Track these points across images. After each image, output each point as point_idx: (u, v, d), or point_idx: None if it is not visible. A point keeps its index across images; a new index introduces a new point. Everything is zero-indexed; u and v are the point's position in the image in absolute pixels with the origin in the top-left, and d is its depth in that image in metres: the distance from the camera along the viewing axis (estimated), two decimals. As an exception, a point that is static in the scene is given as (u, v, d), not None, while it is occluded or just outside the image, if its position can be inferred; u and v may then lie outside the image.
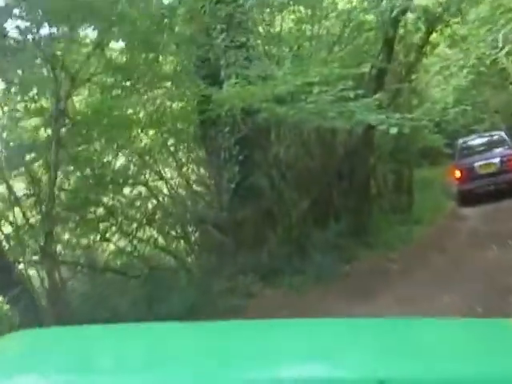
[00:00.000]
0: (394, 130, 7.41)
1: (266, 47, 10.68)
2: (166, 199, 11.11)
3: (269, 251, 9.37)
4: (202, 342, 1.82)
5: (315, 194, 10.55)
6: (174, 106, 11.27)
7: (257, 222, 9.88)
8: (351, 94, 7.60)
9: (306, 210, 10.14)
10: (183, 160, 11.29)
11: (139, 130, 11.10)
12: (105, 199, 10.47)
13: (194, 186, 11.26)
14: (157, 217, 10.84)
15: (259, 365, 1.53)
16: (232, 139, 9.98)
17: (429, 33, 12.82)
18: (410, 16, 12.14)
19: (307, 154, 11.09)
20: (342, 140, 11.71)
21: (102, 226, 10.29)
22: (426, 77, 19.36)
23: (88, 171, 10.12)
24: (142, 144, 11.26)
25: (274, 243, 9.56)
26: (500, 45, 19.65)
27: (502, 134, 17.12)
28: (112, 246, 10.59)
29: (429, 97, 20.67)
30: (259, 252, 9.31)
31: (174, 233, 10.92)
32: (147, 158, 11.10)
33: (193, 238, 10.95)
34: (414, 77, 14.52)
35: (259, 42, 10.56)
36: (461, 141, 17.64)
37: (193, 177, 11.46)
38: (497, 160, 15.63)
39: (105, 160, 10.48)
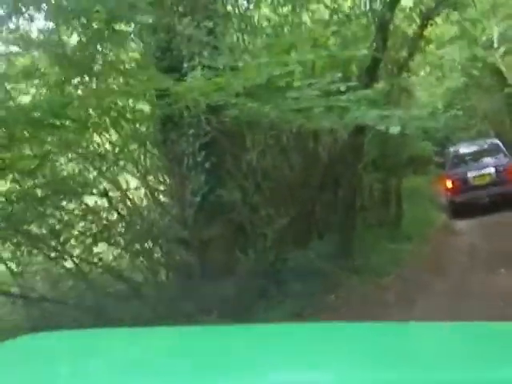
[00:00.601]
0: (395, 130, 5.87)
1: (239, 34, 9.05)
2: (122, 212, 9.40)
3: (239, 279, 7.76)
4: (206, 346, 1.78)
5: (295, 209, 8.98)
6: (132, 104, 9.59)
7: (226, 242, 8.28)
8: (342, 87, 6.03)
9: (284, 227, 8.53)
10: (142, 167, 9.58)
11: (93, 133, 9.40)
12: (48, 212, 8.76)
13: (155, 198, 9.56)
14: (109, 233, 9.14)
15: (257, 370, 1.51)
16: (197, 143, 8.35)
17: (423, 26, 11.34)
18: (404, 3, 10.66)
19: (286, 161, 9.53)
20: (326, 145, 10.17)
21: (42, 245, 8.56)
22: (416, 78, 18.09)
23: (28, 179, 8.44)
24: (98, 148, 9.56)
25: (246, 269, 7.96)
26: (495, 45, 18.47)
27: (496, 141, 16.19)
28: (54, 269, 8.88)
29: (417, 99, 19.41)
30: (228, 280, 7.70)
31: (129, 253, 9.22)
32: (101, 164, 9.39)
33: (153, 259, 9.25)
34: (405, 75, 12.99)
35: (230, 27, 8.92)
36: (452, 149, 16.90)
37: (155, 187, 9.77)
38: (492, 170, 14.62)
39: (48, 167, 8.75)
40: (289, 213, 8.80)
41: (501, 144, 15.66)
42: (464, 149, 16.43)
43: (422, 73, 19.44)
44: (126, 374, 1.56)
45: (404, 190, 14.84)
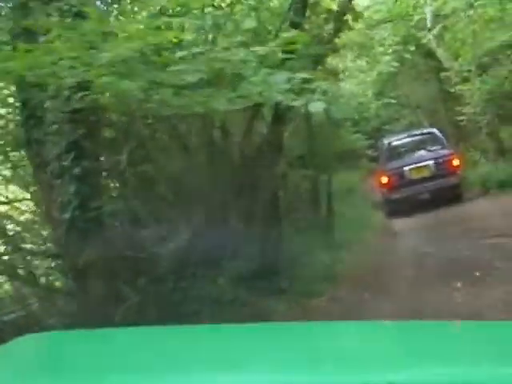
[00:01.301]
0: (318, 107, 4.07)
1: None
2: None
3: (122, 318, 5.79)
4: (206, 346, 1.80)
5: (199, 221, 7.02)
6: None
7: (108, 269, 6.27)
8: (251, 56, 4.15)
9: (185, 246, 6.58)
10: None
11: None
12: None
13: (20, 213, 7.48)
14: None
15: (263, 368, 1.51)
16: (63, 143, 6.31)
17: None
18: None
19: (187, 161, 7.57)
20: (238, 139, 8.28)
21: None
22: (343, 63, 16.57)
23: None
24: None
25: (133, 304, 6.00)
26: (428, 25, 17.03)
27: (435, 130, 14.92)
28: None
29: (345, 89, 17.90)
30: (108, 320, 5.73)
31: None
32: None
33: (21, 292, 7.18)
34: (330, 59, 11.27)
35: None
36: (386, 141, 15.29)
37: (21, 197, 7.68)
38: (430, 162, 13.49)
39: None
40: (191, 226, 6.84)
41: (439, 133, 14.58)
42: (399, 140, 15.11)
43: (350, 56, 17.93)
44: (126, 374, 1.56)
45: (336, 189, 13.42)
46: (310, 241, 9.93)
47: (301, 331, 1.93)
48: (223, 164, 7.90)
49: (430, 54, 17.70)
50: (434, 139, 14.26)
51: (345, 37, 12.21)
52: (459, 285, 7.36)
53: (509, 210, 11.70)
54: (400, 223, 13.02)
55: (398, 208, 13.37)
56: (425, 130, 15.64)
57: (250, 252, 8.14)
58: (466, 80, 15.13)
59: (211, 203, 7.72)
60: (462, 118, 16.18)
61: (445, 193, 13.18)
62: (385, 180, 13.74)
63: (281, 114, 8.24)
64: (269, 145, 8.41)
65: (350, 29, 10.75)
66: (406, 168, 13.47)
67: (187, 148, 7.81)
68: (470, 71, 15.13)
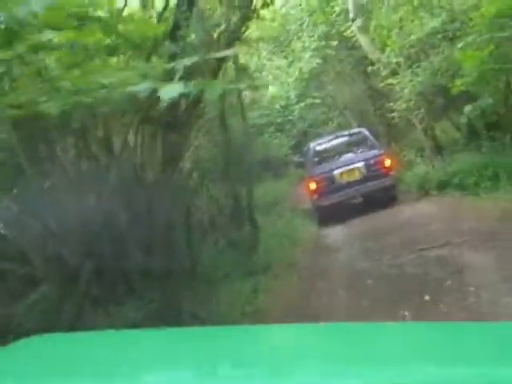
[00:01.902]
0: (170, 92, 2.55)
1: None
2: None
3: None
4: (204, 348, 1.80)
5: (76, 259, 5.28)
6: None
7: None
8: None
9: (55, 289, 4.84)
10: None
11: None
12: None
13: None
14: None
15: (269, 370, 1.54)
16: None
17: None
18: None
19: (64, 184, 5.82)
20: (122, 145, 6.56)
21: None
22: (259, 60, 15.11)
23: None
24: None
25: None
26: (351, 15, 15.73)
27: (363, 130, 14.08)
28: None
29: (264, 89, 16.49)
30: None
31: None
32: None
33: None
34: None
35: None
36: (313, 144, 14.33)
37: None
38: (361, 164, 12.62)
39: None
40: (62, 271, 5.10)
41: (368, 133, 13.69)
42: (326, 143, 14.18)
43: (265, 53, 16.54)
44: (125, 375, 1.60)
45: (262, 200, 12.52)
46: (227, 266, 8.33)
47: (301, 332, 1.99)
48: (105, 187, 6.18)
49: (355, 48, 16.46)
50: (362, 140, 13.47)
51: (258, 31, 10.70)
52: (407, 314, 5.92)
53: (451, 213, 10.48)
54: (333, 233, 11.73)
55: (329, 215, 12.36)
56: (353, 131, 14.82)
57: (153, 289, 6.50)
58: (395, 73, 13.80)
59: (93, 230, 6.01)
60: (393, 115, 14.84)
61: (378, 196, 12.42)
62: (313, 186, 12.70)
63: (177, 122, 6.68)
64: (164, 158, 6.80)
65: (259, 18, 9.23)
66: (335, 172, 12.59)
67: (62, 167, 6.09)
68: (398, 63, 13.82)
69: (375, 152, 12.80)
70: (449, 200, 11.53)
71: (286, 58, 17.45)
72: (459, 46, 10.72)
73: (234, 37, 8.59)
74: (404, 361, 1.51)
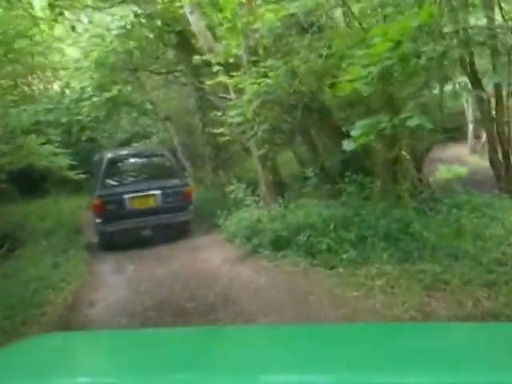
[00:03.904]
0: None
1: None
2: None
3: None
4: (203, 348, 1.83)
5: None
6: None
7: None
8: None
9: None
10: None
11: None
12: None
13: None
14: None
15: (254, 371, 1.52)
16: None
17: None
18: None
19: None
20: None
21: None
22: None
23: None
24: None
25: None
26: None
27: (166, 153, 12.34)
28: None
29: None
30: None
31: None
32: None
33: None
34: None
35: None
36: (107, 155, 12.02)
37: None
38: (158, 192, 11.14)
39: None
40: None
41: (171, 157, 12.15)
42: (121, 160, 12.22)
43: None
44: (123, 374, 1.60)
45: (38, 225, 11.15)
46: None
47: (301, 333, 1.98)
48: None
49: (185, 40, 12.12)
50: (164, 164, 11.82)
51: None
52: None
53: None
54: (110, 269, 8.98)
55: (110, 244, 10.76)
56: (155, 151, 13.16)
57: None
58: (232, 70, 9.50)
59: None
60: (224, 132, 10.47)
61: (171, 231, 11.05)
62: (99, 207, 10.90)
63: None
64: None
65: None
66: (127, 195, 10.93)
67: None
68: (238, 66, 9.58)
69: (176, 181, 11.31)
70: (286, 271, 7.43)
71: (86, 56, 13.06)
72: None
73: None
74: (403, 361, 1.52)
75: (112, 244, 10.67)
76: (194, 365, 1.61)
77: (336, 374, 1.43)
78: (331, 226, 7.63)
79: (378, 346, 1.69)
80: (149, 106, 15.76)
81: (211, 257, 8.76)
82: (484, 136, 16.84)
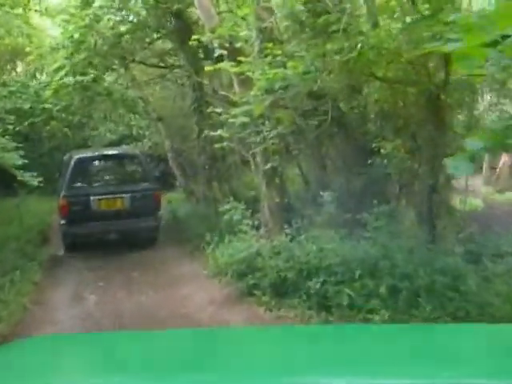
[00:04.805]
0: None
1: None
2: None
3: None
4: (203, 349, 1.80)
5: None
6: None
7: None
8: None
9: None
10: None
11: None
12: None
13: None
14: None
15: (269, 372, 1.50)
16: None
17: None
18: None
19: None
20: None
21: None
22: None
23: None
24: None
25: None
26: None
27: (138, 154, 11.83)
28: None
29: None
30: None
31: None
32: None
33: None
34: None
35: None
36: (76, 155, 11.30)
37: None
38: (127, 195, 10.59)
39: None
40: None
41: (144, 158, 11.59)
42: (91, 160, 11.70)
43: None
44: (123, 374, 1.57)
45: None
46: None
47: (302, 333, 2.00)
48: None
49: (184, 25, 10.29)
50: (136, 166, 11.44)
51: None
52: None
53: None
54: (59, 311, 6.79)
55: (74, 247, 10.50)
56: (128, 152, 12.63)
57: None
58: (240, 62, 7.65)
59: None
60: (224, 135, 8.60)
61: (138, 237, 10.82)
62: (65, 208, 10.45)
63: None
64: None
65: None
66: (94, 197, 10.54)
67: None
68: (245, 54, 7.73)
69: (146, 185, 10.83)
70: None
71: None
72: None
73: None
74: (403, 361, 1.51)
75: (73, 247, 10.44)
76: (194, 365, 1.60)
77: (336, 374, 1.42)
78: (356, 272, 5.71)
79: (378, 347, 1.67)
80: (140, 103, 13.87)
81: (192, 295, 6.87)
82: (499, 167, 15.50)
